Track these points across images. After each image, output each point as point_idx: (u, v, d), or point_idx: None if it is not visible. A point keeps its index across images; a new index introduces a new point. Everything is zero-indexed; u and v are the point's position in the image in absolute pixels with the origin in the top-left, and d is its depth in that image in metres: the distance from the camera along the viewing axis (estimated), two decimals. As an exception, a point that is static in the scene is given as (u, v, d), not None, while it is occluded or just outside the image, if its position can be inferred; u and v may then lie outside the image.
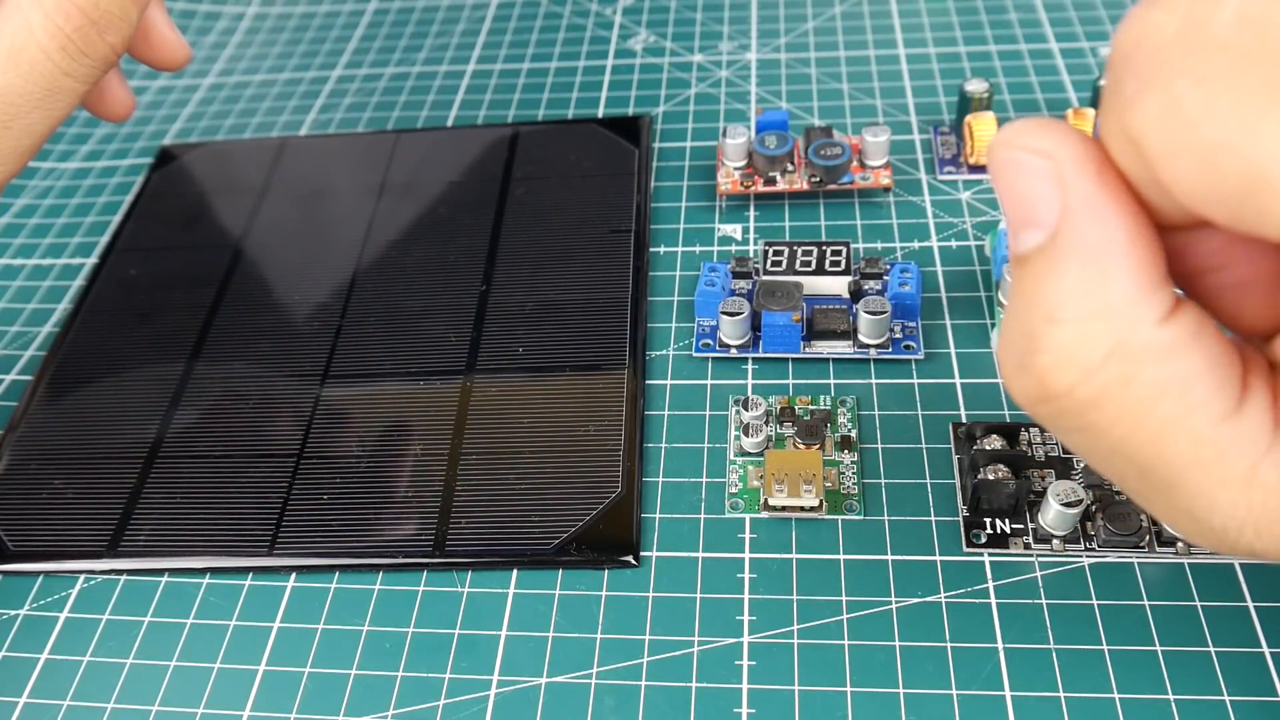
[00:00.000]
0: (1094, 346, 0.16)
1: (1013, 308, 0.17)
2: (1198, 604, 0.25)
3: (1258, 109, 0.14)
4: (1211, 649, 0.24)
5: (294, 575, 0.28)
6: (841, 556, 0.27)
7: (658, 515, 0.28)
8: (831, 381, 0.31)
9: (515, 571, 0.27)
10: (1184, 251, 0.17)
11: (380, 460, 0.30)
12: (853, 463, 0.29)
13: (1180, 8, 0.15)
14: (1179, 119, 0.14)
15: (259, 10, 0.52)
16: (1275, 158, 0.14)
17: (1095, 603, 0.25)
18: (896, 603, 0.26)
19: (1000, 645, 0.25)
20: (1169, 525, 0.18)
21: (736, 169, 0.37)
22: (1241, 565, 0.25)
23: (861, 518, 0.27)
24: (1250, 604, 0.25)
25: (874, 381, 0.31)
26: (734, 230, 0.36)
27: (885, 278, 0.33)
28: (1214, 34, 0.14)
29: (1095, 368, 0.16)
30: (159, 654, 0.27)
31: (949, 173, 0.37)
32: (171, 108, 0.46)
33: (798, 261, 0.33)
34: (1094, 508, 0.26)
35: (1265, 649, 0.24)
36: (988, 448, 0.27)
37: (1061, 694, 0.24)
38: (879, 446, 0.29)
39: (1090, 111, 0.35)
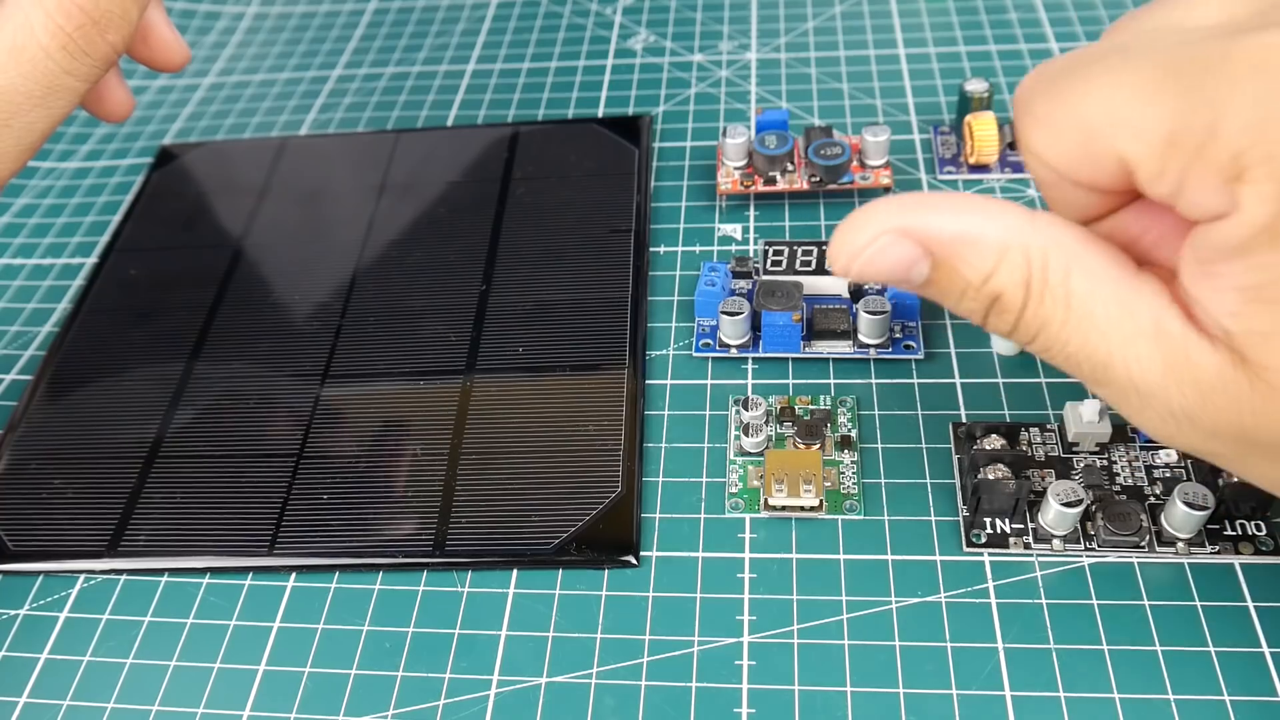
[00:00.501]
0: (1014, 269, 0.20)
1: (959, 308, 0.21)
2: (1198, 604, 0.25)
3: (1076, 94, 0.19)
4: (1211, 649, 0.24)
5: (294, 575, 0.28)
6: (841, 556, 0.27)
7: (658, 515, 0.28)
8: (831, 381, 0.31)
9: (515, 571, 0.27)
10: (1123, 232, 0.21)
11: (380, 460, 0.30)
12: (853, 463, 0.29)
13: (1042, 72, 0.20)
14: (1047, 128, 0.20)
15: (259, 10, 0.52)
16: (1096, 116, 0.19)
17: (1095, 603, 0.25)
18: (896, 603, 0.26)
19: (1000, 645, 0.25)
20: (1127, 415, 0.21)
21: (736, 169, 0.37)
22: (1241, 565, 0.25)
23: (861, 518, 0.27)
24: (1250, 604, 0.25)
25: (874, 381, 0.31)
26: (734, 230, 0.36)
27: (885, 278, 0.33)
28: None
29: (1023, 279, 0.20)
30: (159, 654, 0.27)
31: (949, 173, 0.37)
32: (171, 108, 0.46)
33: (798, 261, 0.33)
34: (1094, 508, 0.26)
35: (1265, 649, 0.24)
36: (988, 448, 0.27)
37: (1061, 694, 0.24)
38: (879, 446, 0.29)
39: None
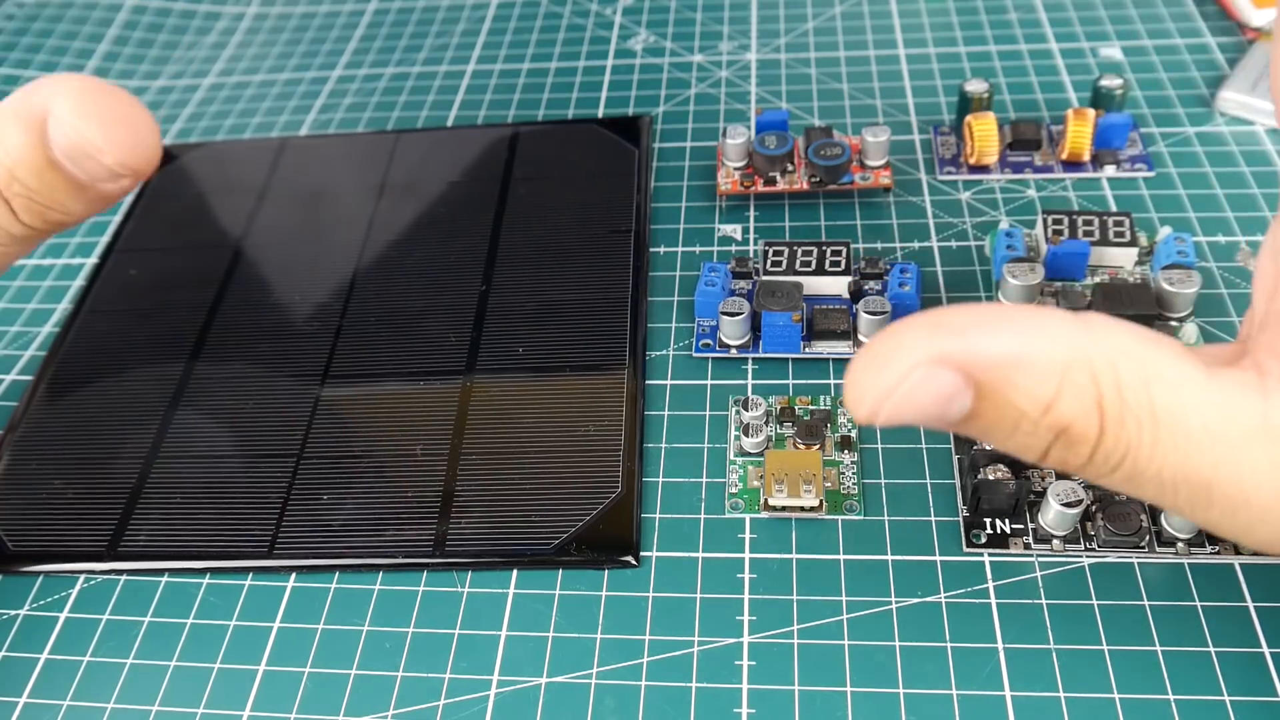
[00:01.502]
0: (1081, 392, 0.16)
1: (1011, 444, 0.18)
2: (1198, 604, 0.25)
3: None
4: (1211, 649, 0.24)
5: (294, 575, 0.28)
6: (841, 556, 0.27)
7: (658, 515, 0.28)
8: (831, 381, 0.31)
9: (515, 571, 0.27)
10: None
11: (380, 460, 0.30)
12: (853, 463, 0.29)
13: None
14: None
15: (259, 10, 0.52)
16: None
17: (1095, 603, 0.25)
18: (896, 603, 0.26)
19: (1000, 645, 0.25)
20: (1243, 539, 0.18)
21: (736, 169, 0.37)
22: (1241, 565, 0.25)
23: (861, 518, 0.27)
24: (1250, 604, 0.25)
25: (874, 381, 0.31)
26: (734, 230, 0.36)
27: (885, 278, 0.33)
28: None
29: (1094, 402, 0.16)
30: (159, 654, 0.27)
31: (949, 173, 0.37)
32: (171, 108, 0.46)
33: (798, 261, 0.33)
34: (1094, 508, 0.26)
35: (1265, 649, 0.24)
36: (988, 448, 0.27)
37: (1061, 694, 0.24)
38: (879, 446, 0.29)
39: (1091, 112, 0.35)
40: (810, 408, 0.30)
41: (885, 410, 0.17)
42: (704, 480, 0.29)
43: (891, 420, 0.17)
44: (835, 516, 0.27)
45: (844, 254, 0.33)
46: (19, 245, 0.24)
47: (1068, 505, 0.25)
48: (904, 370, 0.16)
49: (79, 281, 0.38)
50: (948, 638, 0.25)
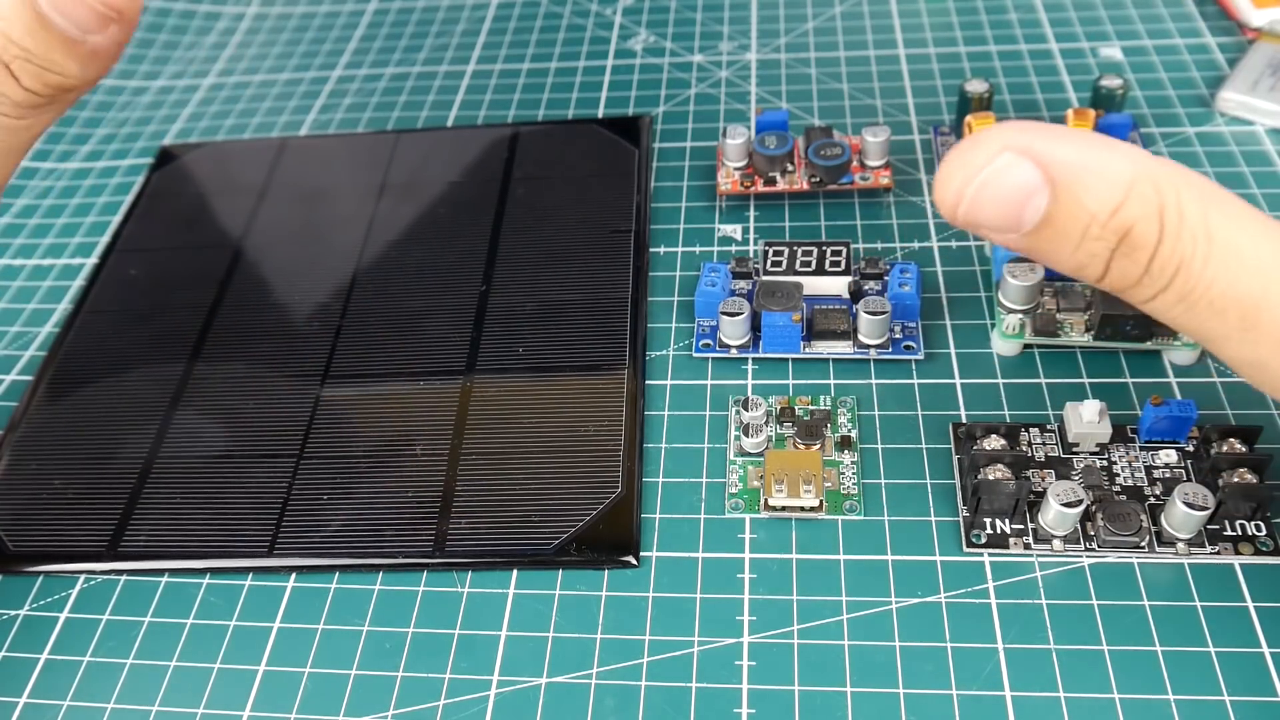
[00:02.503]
0: (1146, 200, 0.18)
1: (1077, 255, 0.19)
2: (1198, 604, 0.25)
3: None
4: (1211, 649, 0.24)
5: (294, 575, 0.28)
6: (841, 556, 0.27)
7: (658, 515, 0.28)
8: (831, 381, 0.31)
9: (515, 571, 0.27)
10: None
11: (380, 460, 0.30)
12: (853, 463, 0.29)
13: None
14: None
15: (259, 10, 0.52)
16: None
17: (1095, 603, 0.25)
18: (896, 603, 0.26)
19: (1000, 645, 0.25)
20: (1267, 375, 0.19)
21: (736, 169, 0.37)
22: (1241, 565, 0.25)
23: (861, 518, 0.27)
24: (1250, 604, 0.25)
25: (874, 381, 0.31)
26: (734, 230, 0.36)
27: (885, 278, 0.33)
28: None
29: (1156, 210, 0.18)
30: (159, 654, 0.27)
31: (949, 173, 0.37)
32: (171, 108, 0.46)
33: (798, 261, 0.33)
34: (1094, 508, 0.26)
35: (1265, 649, 0.24)
36: (988, 448, 0.27)
37: (1061, 694, 0.24)
38: (879, 446, 0.29)
39: (1091, 112, 0.35)
40: (810, 408, 0.30)
41: (970, 195, 0.18)
42: (704, 480, 0.29)
43: (973, 210, 0.18)
44: (835, 516, 0.27)
45: (844, 254, 0.33)
46: (28, 117, 0.24)
47: (1068, 505, 0.25)
48: (992, 152, 0.18)
49: (79, 281, 0.38)
50: (948, 638, 0.25)
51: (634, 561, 0.27)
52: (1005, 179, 0.18)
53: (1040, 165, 0.18)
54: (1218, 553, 0.26)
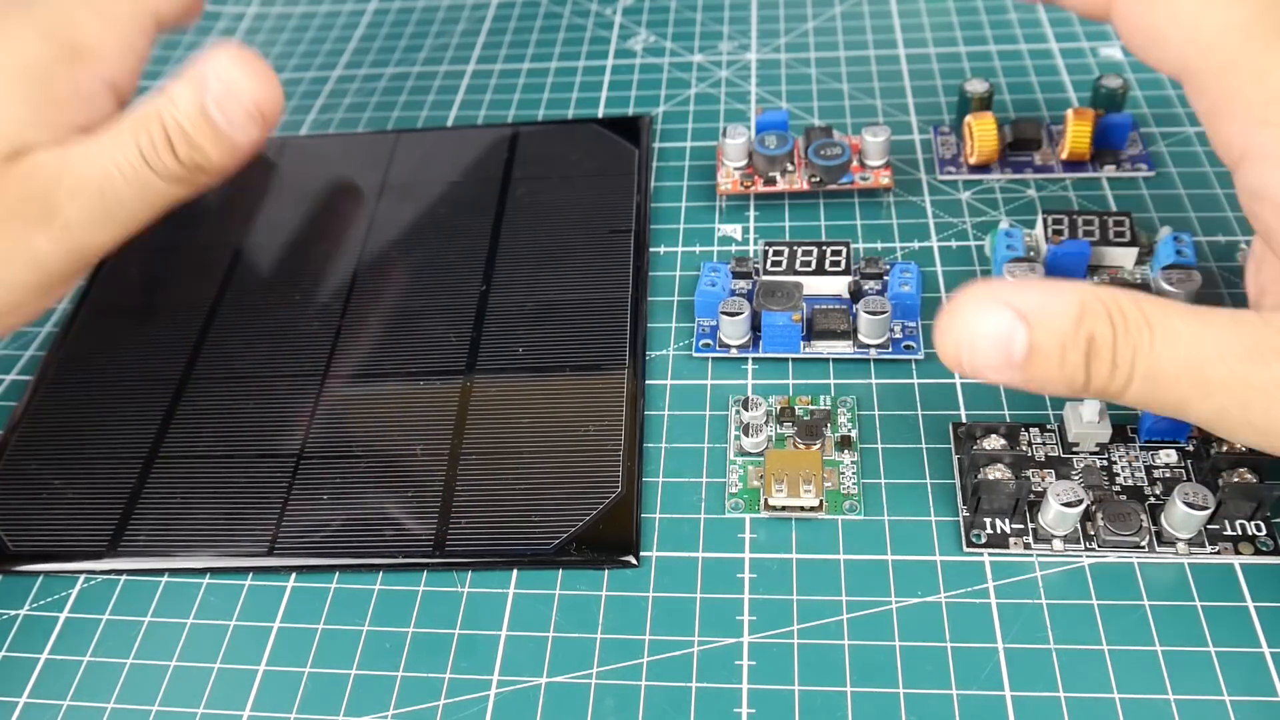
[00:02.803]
0: (1098, 309, 0.22)
1: (1062, 375, 0.22)
2: (1198, 604, 0.25)
3: None
4: (1211, 649, 0.24)
5: (294, 575, 0.28)
6: (841, 556, 0.27)
7: (658, 515, 0.28)
8: (831, 381, 0.31)
9: (515, 571, 0.27)
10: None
11: (380, 460, 0.30)
12: (853, 463, 0.29)
13: None
14: None
15: (259, 10, 0.52)
16: None
17: (1095, 603, 0.25)
18: (896, 603, 0.26)
19: (1000, 645, 0.25)
20: (1230, 426, 0.22)
21: (736, 169, 0.37)
22: (1241, 565, 0.25)
23: (861, 518, 0.27)
24: (1250, 604, 0.25)
25: (874, 381, 0.31)
26: (734, 230, 0.36)
27: (885, 278, 0.33)
28: None
29: (1107, 315, 0.22)
30: (159, 654, 0.27)
31: (949, 173, 0.37)
32: (171, 108, 0.46)
33: (798, 261, 0.33)
34: (1094, 508, 0.26)
35: (1265, 649, 0.24)
36: (988, 448, 0.27)
37: (1061, 694, 0.24)
38: (879, 446, 0.29)
39: (1091, 111, 0.35)
40: (810, 408, 0.30)
41: (966, 346, 0.22)
42: (704, 480, 0.29)
43: (973, 356, 0.22)
44: (835, 516, 0.27)
45: (844, 254, 0.33)
46: (171, 185, 0.29)
47: (1068, 505, 0.25)
48: (972, 310, 0.22)
49: (79, 281, 0.38)
50: (948, 638, 0.25)
51: (634, 561, 0.27)
52: (988, 326, 0.22)
53: (1009, 306, 0.22)
54: (1218, 553, 0.26)
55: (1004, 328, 0.22)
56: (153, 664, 0.26)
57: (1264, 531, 0.26)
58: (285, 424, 0.31)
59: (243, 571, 0.28)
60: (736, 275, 0.33)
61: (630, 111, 0.42)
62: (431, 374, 0.32)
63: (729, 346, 0.32)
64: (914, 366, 0.31)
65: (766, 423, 0.29)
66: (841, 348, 0.31)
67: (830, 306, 0.32)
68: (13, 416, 0.33)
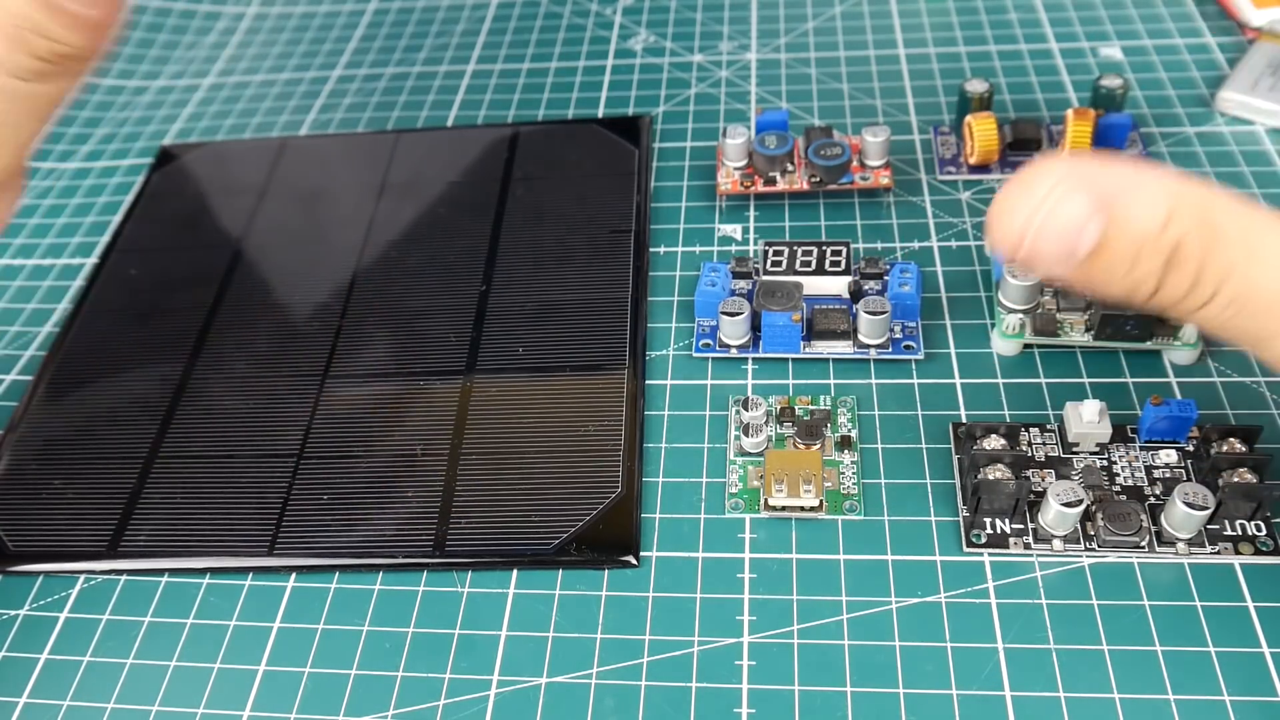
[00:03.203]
0: (1191, 209, 0.19)
1: (1130, 278, 0.19)
2: (1198, 604, 0.25)
3: None
4: (1211, 649, 0.24)
5: (294, 575, 0.28)
6: (841, 556, 0.27)
7: (658, 515, 0.28)
8: (831, 381, 0.31)
9: (515, 571, 0.27)
10: None
11: (380, 460, 0.30)
12: (853, 463, 0.29)
13: None
14: None
15: (259, 10, 0.52)
16: None
17: (1095, 603, 0.25)
18: (896, 603, 0.26)
19: (1000, 645, 0.25)
20: None
21: (736, 169, 0.37)
22: (1241, 565, 0.25)
23: (861, 518, 0.27)
24: (1250, 604, 0.25)
25: (874, 381, 0.31)
26: (734, 230, 0.36)
27: (885, 278, 0.33)
28: None
29: (1200, 218, 0.19)
30: (159, 654, 0.27)
31: (949, 173, 0.37)
32: (171, 108, 0.46)
33: (798, 261, 0.33)
34: (1094, 508, 0.26)
35: (1265, 649, 0.24)
36: (988, 448, 0.27)
37: (1061, 694, 0.24)
38: (879, 446, 0.29)
39: (1091, 111, 0.35)
40: (810, 408, 0.30)
41: (1033, 230, 0.19)
42: (704, 480, 0.29)
43: (1035, 244, 0.19)
44: (835, 516, 0.27)
45: (844, 254, 0.33)
46: (42, 82, 0.26)
47: (1068, 505, 0.25)
48: (1046, 189, 0.19)
49: (79, 281, 0.38)
50: (948, 638, 0.25)
51: (634, 561, 0.27)
52: (1062, 211, 0.19)
53: (1091, 193, 0.19)
54: (1218, 553, 0.26)
55: (1079, 217, 0.19)
56: (153, 664, 0.26)
57: (1264, 531, 0.26)
58: (285, 424, 0.31)
59: (243, 571, 0.28)
60: (736, 275, 0.33)
61: (630, 111, 0.42)
62: (431, 374, 0.32)
63: (729, 346, 0.32)
64: (914, 366, 0.31)
65: (766, 423, 0.29)
66: (841, 348, 0.31)
67: (830, 306, 0.32)
68: (13, 417, 0.33)
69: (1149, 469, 0.27)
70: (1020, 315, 0.30)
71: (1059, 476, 0.27)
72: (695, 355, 0.32)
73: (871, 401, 0.30)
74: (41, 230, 0.41)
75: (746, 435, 0.29)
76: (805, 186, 0.36)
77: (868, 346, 0.31)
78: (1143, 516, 0.26)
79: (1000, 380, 0.30)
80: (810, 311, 0.32)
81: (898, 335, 0.31)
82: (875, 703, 0.24)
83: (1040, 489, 0.27)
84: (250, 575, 0.28)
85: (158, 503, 0.30)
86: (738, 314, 0.31)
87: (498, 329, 0.33)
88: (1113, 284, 0.20)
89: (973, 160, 0.36)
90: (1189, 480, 0.27)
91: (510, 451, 0.30)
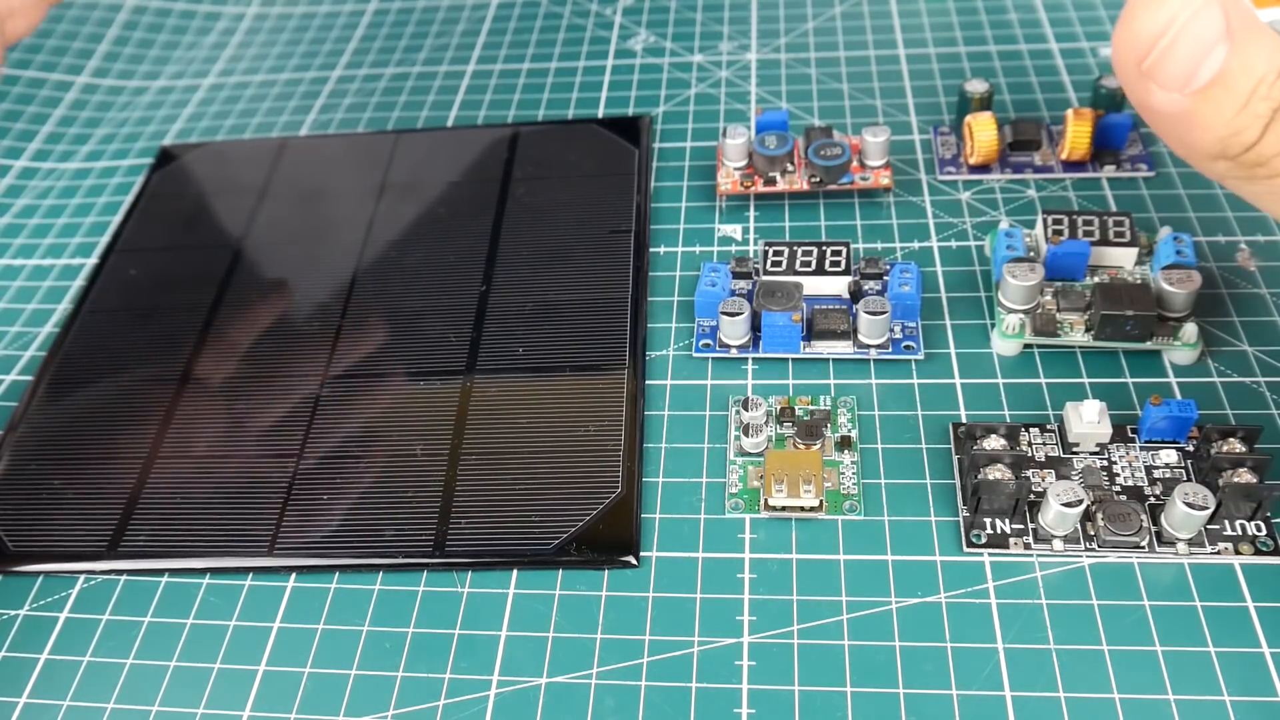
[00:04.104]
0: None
1: (1234, 124, 0.19)
2: (1198, 604, 0.25)
3: None
4: (1211, 649, 0.24)
5: (294, 575, 0.28)
6: (841, 556, 0.27)
7: (658, 515, 0.28)
8: (831, 381, 0.31)
9: (515, 571, 0.27)
10: None
11: (380, 460, 0.30)
12: (853, 463, 0.29)
13: None
14: None
15: (259, 10, 0.52)
16: None
17: (1095, 603, 0.25)
18: (896, 603, 0.26)
19: (1000, 645, 0.25)
20: None
21: (736, 169, 0.37)
22: (1241, 565, 0.25)
23: (861, 518, 0.27)
24: (1250, 604, 0.25)
25: (874, 381, 0.31)
26: (734, 230, 0.36)
27: (885, 278, 0.33)
28: None
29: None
30: (159, 654, 0.27)
31: (949, 173, 0.37)
32: (171, 108, 0.46)
33: (798, 261, 0.33)
34: (1094, 508, 0.26)
35: (1265, 649, 0.24)
36: (988, 448, 0.27)
37: (1061, 694, 0.24)
38: (879, 446, 0.29)
39: (1091, 112, 0.35)
40: (810, 408, 0.30)
41: (1166, 41, 0.18)
42: (704, 480, 0.29)
43: (1163, 58, 0.18)
44: (835, 516, 0.27)
45: (844, 254, 0.33)
46: None
47: (1068, 505, 0.25)
48: (1185, 4, 0.18)
49: (79, 281, 0.38)
50: (948, 638, 0.25)
51: (634, 561, 0.27)
52: (1199, 23, 0.18)
53: (1225, 13, 0.18)
54: (1218, 553, 0.26)
55: (1214, 33, 0.18)
56: (153, 664, 0.26)
57: (1264, 531, 0.26)
58: (285, 424, 0.31)
59: (243, 571, 0.28)
60: (736, 275, 0.33)
61: (630, 111, 0.42)
62: (431, 374, 0.32)
63: (729, 346, 0.32)
64: (914, 366, 0.31)
65: (766, 423, 0.29)
66: (841, 348, 0.31)
67: (830, 307, 0.32)
68: (13, 416, 0.33)
69: (1149, 469, 0.27)
70: (1020, 315, 0.30)
71: (1059, 476, 0.27)
72: (695, 355, 0.32)
73: (871, 401, 0.30)
74: (41, 230, 0.41)
75: (746, 435, 0.29)
76: (805, 187, 0.36)
77: (868, 347, 0.31)
78: (1143, 516, 0.26)
79: (1000, 380, 0.30)
80: (810, 312, 0.32)
81: (898, 335, 0.31)
82: (875, 703, 0.24)
83: (1040, 489, 0.27)
84: (250, 575, 0.28)
85: (158, 503, 0.30)
86: (738, 314, 0.31)
87: (497, 329, 0.33)
88: (1217, 125, 0.19)
89: (973, 160, 0.36)
90: (1189, 480, 0.27)
91: (510, 452, 0.30)
